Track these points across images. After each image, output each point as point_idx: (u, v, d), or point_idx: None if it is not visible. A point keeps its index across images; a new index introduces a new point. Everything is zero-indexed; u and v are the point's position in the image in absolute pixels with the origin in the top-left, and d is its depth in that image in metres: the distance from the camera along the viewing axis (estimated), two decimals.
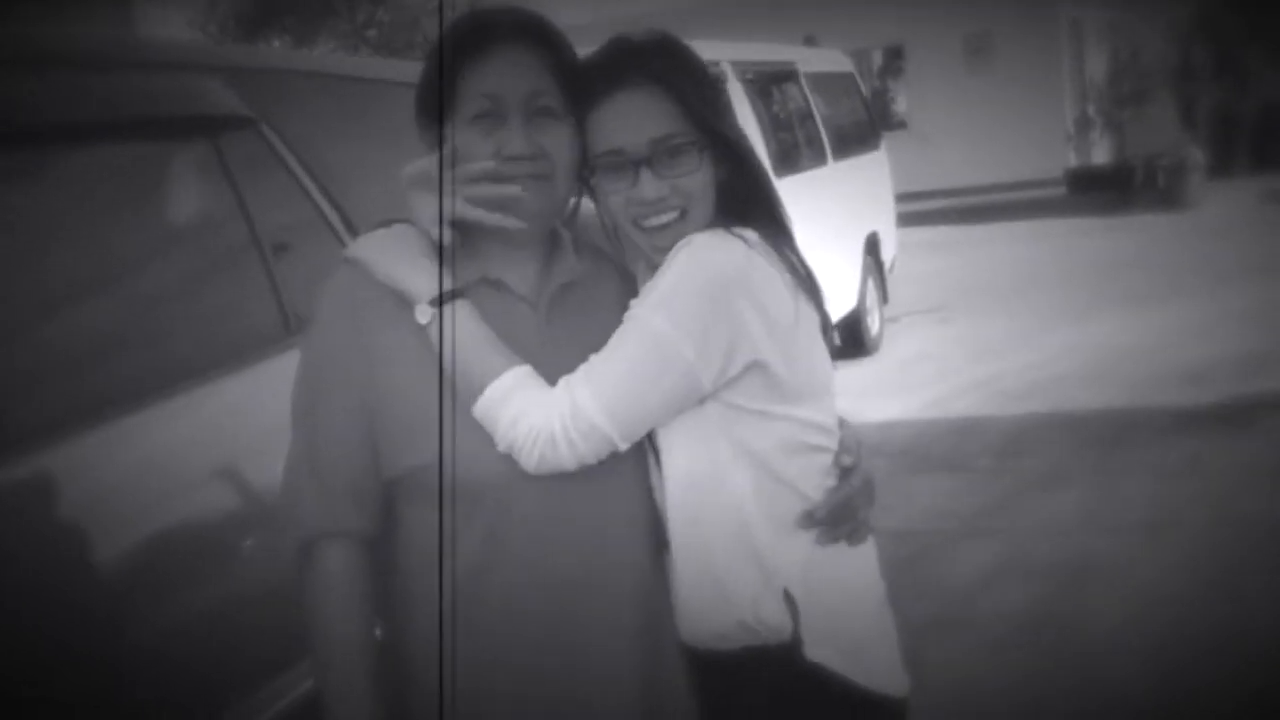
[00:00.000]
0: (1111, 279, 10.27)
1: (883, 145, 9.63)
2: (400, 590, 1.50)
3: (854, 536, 1.52)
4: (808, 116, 8.32)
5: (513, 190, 1.44)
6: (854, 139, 9.04)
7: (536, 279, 1.52)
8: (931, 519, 4.85)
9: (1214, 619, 3.74)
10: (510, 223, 1.45)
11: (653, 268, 1.48)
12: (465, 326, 1.41)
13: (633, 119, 1.44)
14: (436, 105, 1.47)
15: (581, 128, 1.48)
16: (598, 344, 1.45)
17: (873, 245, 8.72)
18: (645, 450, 1.49)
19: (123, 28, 11.66)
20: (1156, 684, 3.35)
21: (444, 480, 1.44)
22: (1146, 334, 7.99)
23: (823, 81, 8.77)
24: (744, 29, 12.37)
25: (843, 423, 1.58)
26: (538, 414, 1.37)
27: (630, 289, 1.56)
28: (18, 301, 1.79)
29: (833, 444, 1.54)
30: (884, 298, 8.93)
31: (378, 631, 1.50)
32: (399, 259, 1.45)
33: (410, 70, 2.88)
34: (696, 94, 1.46)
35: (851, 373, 7.68)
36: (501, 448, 1.40)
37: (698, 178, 1.46)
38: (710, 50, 6.51)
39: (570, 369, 1.43)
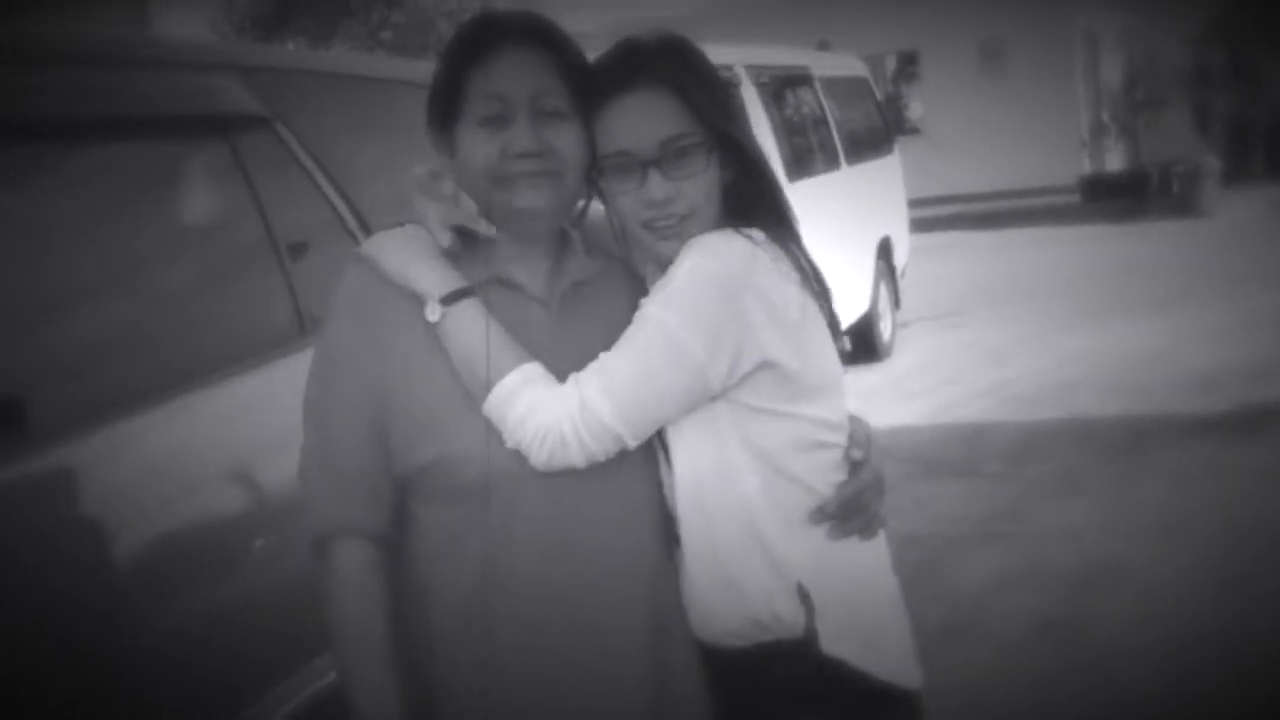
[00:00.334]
0: (1125, 285, 10.23)
1: (896, 150, 9.62)
2: (413, 587, 1.50)
3: (866, 530, 1.53)
4: (821, 121, 8.32)
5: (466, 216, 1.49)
6: (868, 144, 9.03)
7: (548, 278, 1.53)
8: (943, 524, 4.83)
9: (1226, 624, 3.72)
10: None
11: (662, 267, 1.49)
12: (474, 324, 1.42)
13: (641, 120, 1.45)
14: (445, 109, 1.48)
15: (590, 129, 1.48)
16: (608, 343, 1.45)
17: (885, 250, 8.70)
18: (655, 446, 1.50)
19: (138, 27, 11.71)
20: (1168, 689, 3.34)
21: (453, 478, 1.45)
22: (1160, 340, 7.96)
23: (837, 86, 8.76)
24: (758, 33, 12.38)
25: (852, 418, 1.58)
26: (547, 411, 1.38)
27: (640, 290, 1.57)
28: (33, 299, 1.80)
29: (842, 440, 1.54)
30: (896, 303, 8.92)
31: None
32: (409, 258, 1.47)
33: (425, 71, 2.89)
34: (704, 95, 1.47)
35: (863, 378, 7.67)
36: (510, 445, 1.40)
37: (705, 179, 1.46)
38: (724, 54, 6.52)
39: (581, 368, 1.44)
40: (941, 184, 16.05)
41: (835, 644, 1.46)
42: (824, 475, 1.51)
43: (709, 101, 1.47)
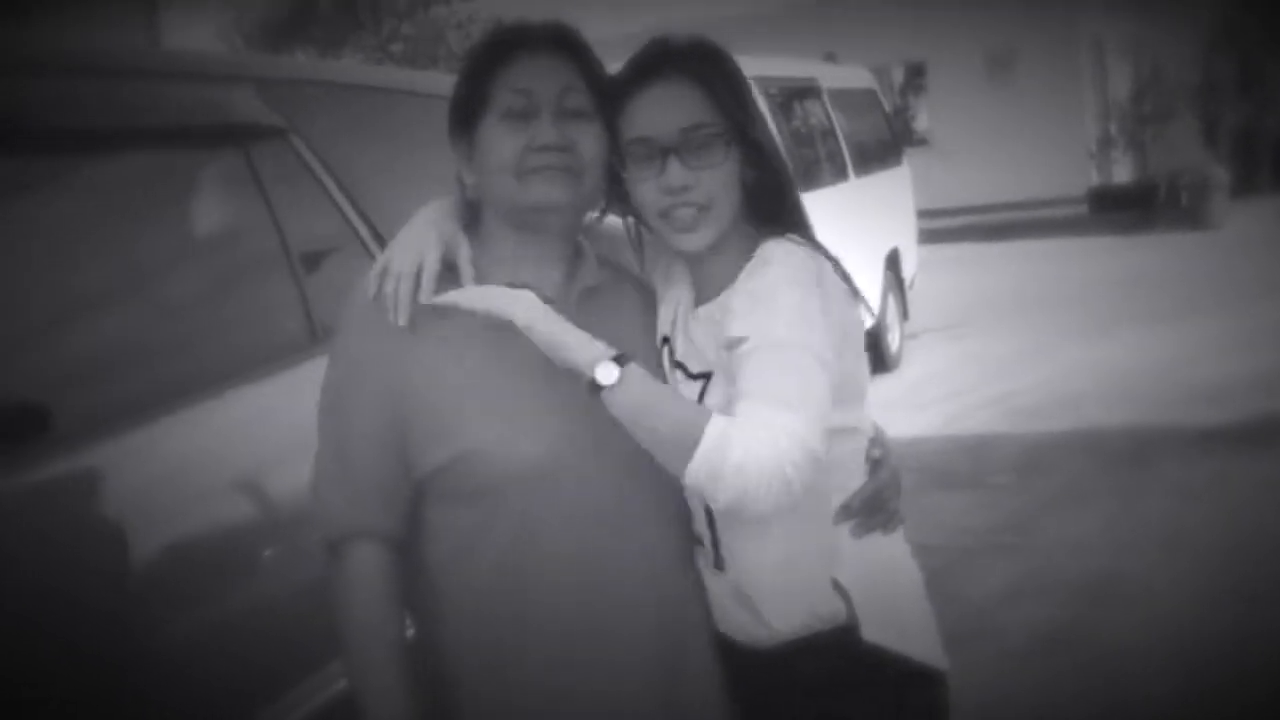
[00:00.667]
0: (1132, 297, 10.22)
1: (904, 161, 9.63)
2: (429, 590, 1.52)
3: (888, 525, 1.57)
4: (829, 132, 8.33)
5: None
6: (875, 155, 9.05)
7: (561, 285, 1.55)
8: (952, 535, 4.83)
9: (1232, 635, 3.71)
10: None
11: (689, 267, 1.52)
12: (650, 383, 1.39)
13: (663, 109, 1.48)
14: (469, 108, 1.52)
15: (613, 127, 1.51)
16: (620, 348, 1.47)
17: (893, 261, 8.71)
18: None
19: (149, 39, 11.77)
20: (1175, 701, 3.33)
21: (470, 478, 1.46)
22: (1167, 351, 7.95)
23: (845, 97, 8.78)
24: (765, 45, 12.40)
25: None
26: (762, 454, 1.31)
27: (649, 300, 1.62)
28: (48, 308, 1.82)
29: (864, 443, 1.60)
30: (904, 314, 8.92)
31: (409, 631, 1.52)
32: (560, 328, 1.43)
33: (439, 82, 2.91)
34: (728, 92, 1.50)
35: (872, 389, 7.64)
36: (725, 500, 1.34)
37: (723, 171, 1.49)
38: None
39: None
40: (949, 195, 16.04)
41: (874, 631, 1.50)
42: (853, 475, 1.56)
43: (732, 98, 1.50)
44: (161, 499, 1.82)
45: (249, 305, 2.17)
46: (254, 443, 2.01)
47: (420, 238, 1.53)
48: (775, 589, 1.51)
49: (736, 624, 1.55)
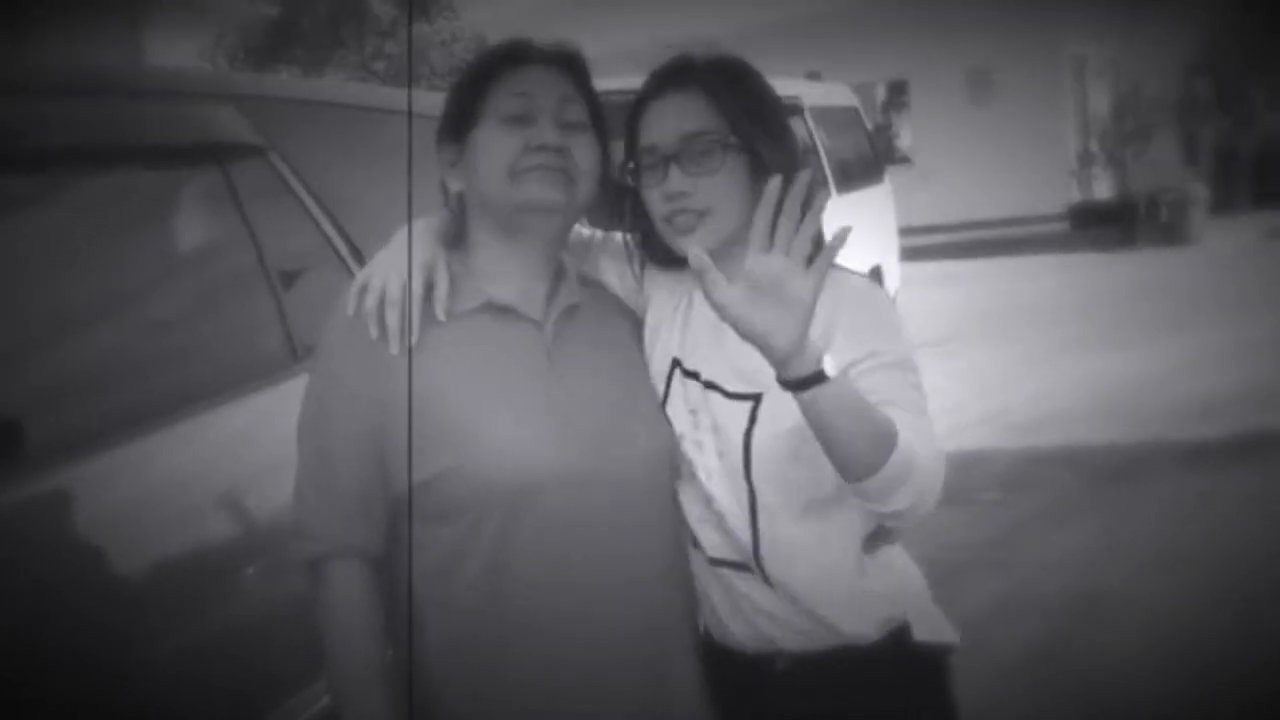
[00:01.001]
0: (1115, 313, 10.27)
1: (886, 179, 9.67)
2: (405, 608, 1.50)
3: (889, 538, 1.61)
4: (811, 150, 8.36)
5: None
6: (858, 173, 9.08)
7: (544, 302, 1.55)
8: (941, 550, 4.82)
9: (1222, 653, 3.70)
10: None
11: (692, 271, 1.51)
12: (849, 383, 1.36)
13: (669, 117, 1.52)
14: (464, 114, 1.52)
15: (605, 148, 1.54)
16: (602, 366, 1.50)
17: (876, 278, 8.72)
18: (664, 458, 1.53)
19: (132, 56, 11.75)
20: (1163, 717, 3.33)
21: (456, 494, 1.46)
22: (1151, 367, 7.98)
23: (827, 115, 8.81)
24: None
25: None
26: (937, 460, 1.41)
27: (631, 320, 1.63)
28: (27, 325, 1.81)
29: None
30: None
31: (389, 652, 1.51)
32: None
33: (420, 100, 2.90)
34: (739, 104, 1.52)
35: None
36: (899, 502, 1.38)
37: (722, 179, 1.50)
38: None
39: (577, 390, 1.48)
40: (931, 212, 16.12)
41: (921, 629, 1.59)
42: None
43: (742, 111, 1.52)
44: (135, 518, 1.81)
45: (227, 325, 2.16)
46: (229, 465, 1.99)
47: (403, 259, 1.51)
48: (837, 597, 1.54)
49: (793, 631, 1.55)
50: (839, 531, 1.53)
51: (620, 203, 1.58)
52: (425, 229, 1.57)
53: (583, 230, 1.68)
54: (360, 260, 2.25)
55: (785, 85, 8.94)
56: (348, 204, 2.40)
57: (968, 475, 5.99)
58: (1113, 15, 16.70)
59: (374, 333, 1.47)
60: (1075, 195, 17.34)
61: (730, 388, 1.52)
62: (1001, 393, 7.79)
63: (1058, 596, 4.32)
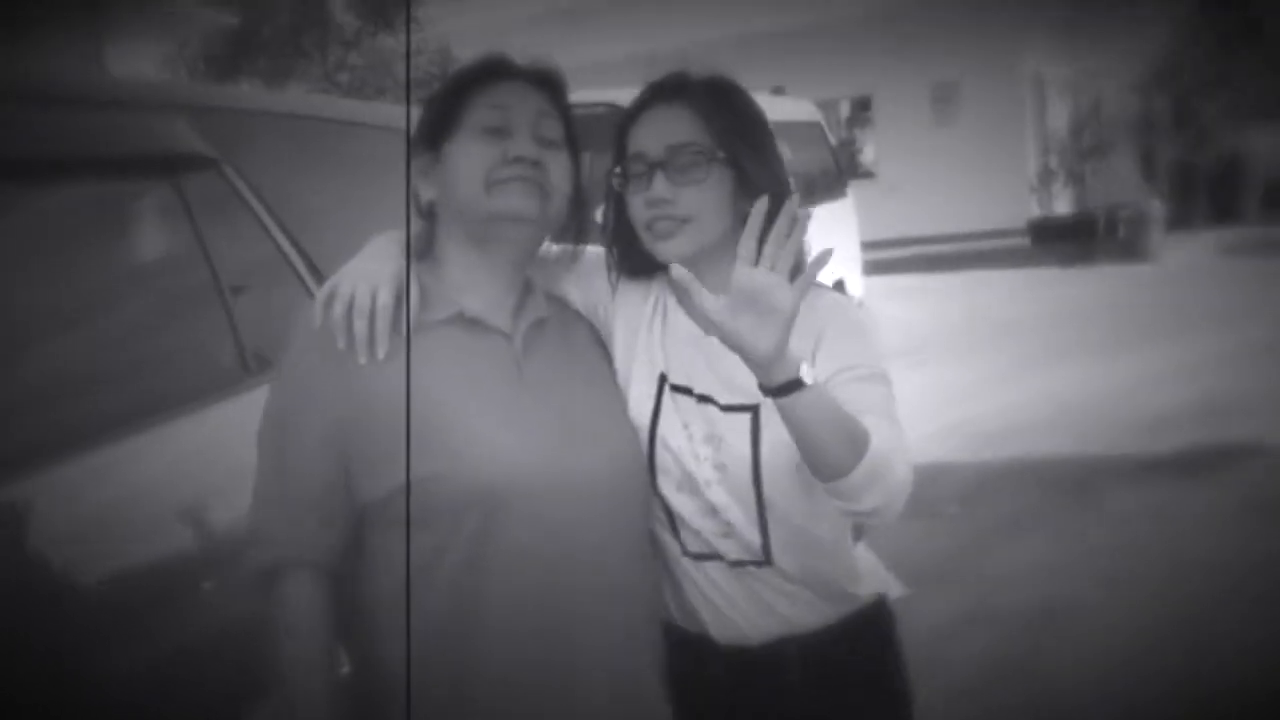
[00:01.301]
0: (1074, 328, 10.37)
1: (849, 193, 9.73)
2: (371, 621, 1.49)
3: (859, 534, 1.72)
4: None
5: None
6: (821, 187, 9.12)
7: (512, 315, 1.56)
8: (902, 563, 4.83)
9: (1176, 667, 3.74)
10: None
11: (672, 282, 1.53)
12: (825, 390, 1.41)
13: (656, 128, 1.58)
14: (440, 125, 1.54)
15: (578, 166, 1.58)
16: (570, 376, 1.52)
17: (839, 291, 8.76)
18: (630, 462, 1.56)
19: (94, 67, 11.63)
20: None
21: (424, 501, 1.44)
22: (1109, 382, 8.07)
23: (790, 130, 8.85)
24: None
25: None
26: (906, 465, 1.45)
27: (596, 336, 1.65)
28: None
29: None
30: None
31: (345, 669, 1.49)
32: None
33: (380, 112, 2.89)
34: (725, 120, 1.57)
35: None
36: (871, 502, 1.41)
37: (705, 189, 1.55)
38: None
39: (547, 401, 1.50)
40: (894, 227, 16.23)
41: (892, 589, 1.72)
42: None
43: (730, 127, 1.57)
44: (86, 535, 1.77)
45: (178, 338, 2.13)
46: (183, 479, 1.96)
47: (374, 271, 1.52)
48: (834, 574, 1.64)
49: (810, 608, 1.61)
50: (837, 516, 1.56)
51: (605, 213, 1.62)
52: (394, 241, 1.56)
53: (551, 247, 1.70)
54: (315, 272, 2.23)
55: None
56: (303, 216, 2.38)
57: (930, 488, 6.02)
58: (1073, 35, 16.92)
59: (341, 342, 1.46)
60: (1035, 211, 17.53)
61: (724, 400, 1.56)
62: (961, 406, 7.84)
63: (1016, 609, 4.35)
